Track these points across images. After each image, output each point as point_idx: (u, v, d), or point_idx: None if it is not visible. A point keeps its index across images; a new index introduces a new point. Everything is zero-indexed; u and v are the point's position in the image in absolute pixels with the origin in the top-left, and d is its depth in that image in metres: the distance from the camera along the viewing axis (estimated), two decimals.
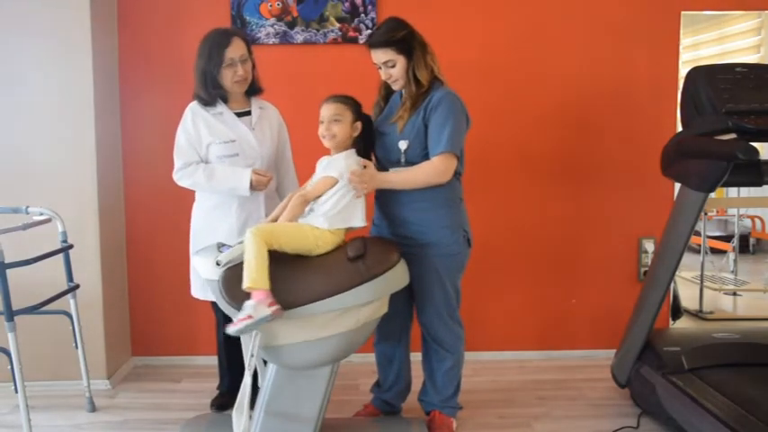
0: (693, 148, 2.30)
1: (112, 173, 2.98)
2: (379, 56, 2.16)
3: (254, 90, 2.47)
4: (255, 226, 1.97)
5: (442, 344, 2.31)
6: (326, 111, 2.13)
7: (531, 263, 3.19)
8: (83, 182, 2.77)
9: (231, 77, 2.33)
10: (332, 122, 2.11)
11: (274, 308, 1.83)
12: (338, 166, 2.07)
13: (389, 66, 2.16)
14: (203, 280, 2.38)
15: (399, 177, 2.15)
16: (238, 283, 1.87)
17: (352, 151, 2.15)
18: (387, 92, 2.32)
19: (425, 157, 2.16)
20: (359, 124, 2.15)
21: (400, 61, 2.15)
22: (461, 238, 2.24)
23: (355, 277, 1.95)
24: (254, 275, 1.84)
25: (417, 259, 2.16)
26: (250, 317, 1.80)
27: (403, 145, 2.17)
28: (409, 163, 2.17)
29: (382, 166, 2.27)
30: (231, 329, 1.82)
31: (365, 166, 2.11)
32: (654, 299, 2.45)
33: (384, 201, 2.26)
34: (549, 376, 2.97)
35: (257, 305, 1.81)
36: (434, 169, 2.12)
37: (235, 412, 1.88)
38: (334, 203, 2.05)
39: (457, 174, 2.23)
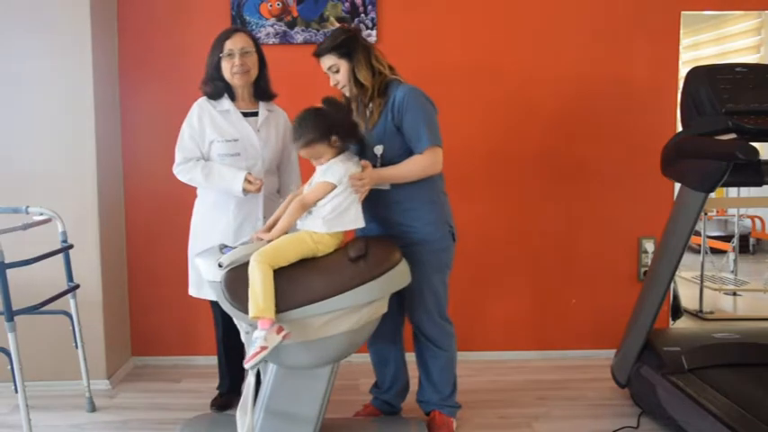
0: (693, 148, 2.30)
1: (112, 173, 2.98)
2: (324, 62, 2.22)
3: (263, 92, 2.47)
4: (258, 251, 1.94)
5: (434, 341, 2.31)
6: (304, 154, 2.08)
7: (532, 263, 3.19)
8: (83, 182, 2.77)
9: (230, 68, 2.35)
10: (315, 159, 2.08)
11: (284, 333, 1.86)
12: (337, 171, 2.04)
13: (334, 71, 2.21)
14: (204, 281, 2.40)
15: (395, 172, 2.15)
16: (241, 284, 1.88)
17: (349, 153, 2.13)
18: (348, 100, 2.30)
19: (403, 157, 2.16)
20: (334, 138, 2.05)
21: (343, 65, 2.18)
22: (447, 232, 2.26)
23: (357, 277, 1.95)
24: (262, 305, 1.84)
25: (406, 257, 2.16)
26: (264, 348, 1.81)
27: (378, 150, 2.18)
28: (386, 165, 2.17)
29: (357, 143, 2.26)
30: (249, 364, 1.82)
31: (364, 167, 2.11)
32: (654, 299, 2.45)
33: (370, 202, 2.25)
34: (549, 376, 2.97)
35: (268, 335, 1.82)
36: (425, 162, 2.15)
37: (239, 411, 1.88)
38: (333, 208, 2.04)
39: None
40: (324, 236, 2.03)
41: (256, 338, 1.83)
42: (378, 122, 2.18)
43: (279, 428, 2.04)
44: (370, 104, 2.19)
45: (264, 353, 1.81)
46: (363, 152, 2.21)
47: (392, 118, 2.16)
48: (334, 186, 2.03)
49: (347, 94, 2.25)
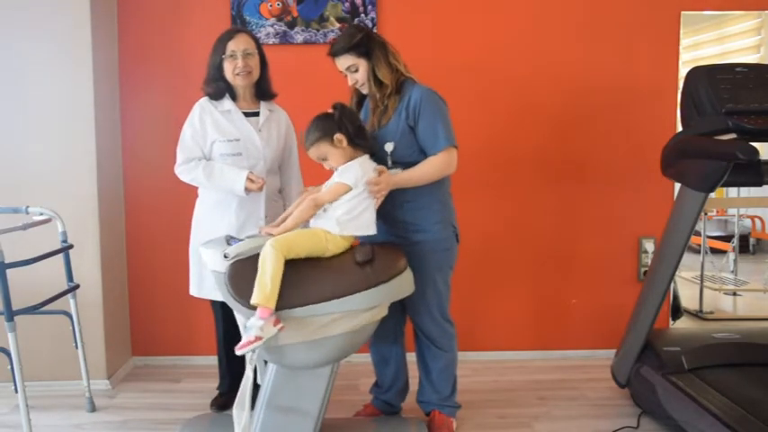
0: (693, 148, 2.30)
1: (112, 173, 2.98)
2: (342, 62, 2.20)
3: (264, 92, 2.47)
4: (275, 238, 1.94)
5: (435, 342, 2.31)
6: (312, 155, 2.10)
7: (532, 263, 3.19)
8: (83, 182, 2.77)
9: (232, 69, 2.35)
10: (324, 161, 2.10)
11: (280, 326, 1.86)
12: (353, 173, 2.04)
13: (353, 71, 2.20)
14: (205, 280, 2.40)
15: (411, 175, 2.14)
16: (245, 277, 1.88)
17: (366, 157, 2.12)
18: (359, 98, 2.32)
19: (413, 156, 2.17)
20: (340, 136, 2.06)
21: (362, 64, 2.18)
22: (451, 233, 2.26)
23: (362, 282, 1.95)
24: (268, 294, 1.84)
25: (411, 257, 2.16)
26: (259, 338, 1.81)
27: (389, 147, 2.17)
28: (396, 164, 2.18)
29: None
30: (241, 351, 1.82)
31: (380, 172, 2.10)
32: (654, 299, 2.45)
33: None
34: (549, 376, 2.97)
35: (265, 325, 1.82)
36: (442, 163, 2.15)
37: (235, 408, 1.88)
38: (348, 210, 2.03)
39: None
40: (336, 236, 2.04)
41: (251, 327, 1.82)
42: (391, 120, 2.17)
43: (279, 428, 2.04)
44: (386, 102, 2.18)
45: (259, 343, 1.81)
46: (374, 151, 2.21)
47: (406, 117, 2.15)
48: (349, 188, 2.04)
49: (365, 92, 2.24)
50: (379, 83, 2.18)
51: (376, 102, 2.20)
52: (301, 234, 2.02)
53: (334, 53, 2.20)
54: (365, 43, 2.16)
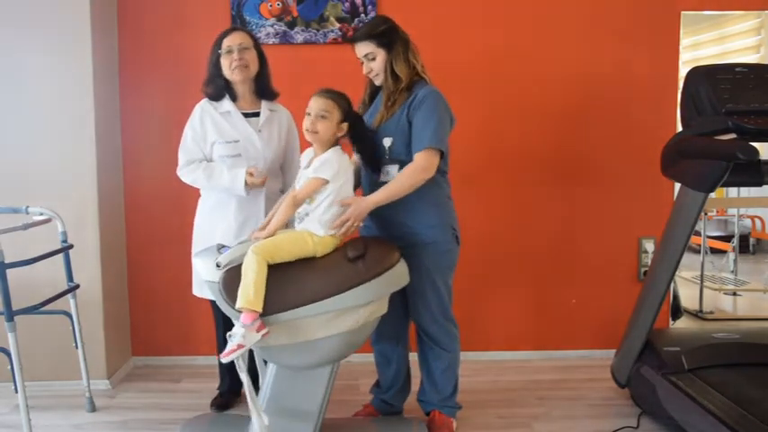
0: (693, 148, 2.30)
1: (112, 173, 2.98)
2: (361, 49, 2.20)
3: (264, 91, 2.47)
4: (256, 244, 1.93)
5: (437, 342, 2.31)
6: (315, 105, 2.06)
7: (532, 263, 3.19)
8: (83, 182, 2.77)
9: (228, 65, 2.35)
10: (318, 118, 2.05)
11: (263, 332, 1.85)
12: (331, 167, 2.03)
13: (370, 59, 2.20)
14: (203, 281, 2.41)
15: (387, 193, 2.11)
16: (238, 284, 1.88)
17: (338, 148, 2.11)
18: (372, 90, 2.32)
19: (410, 154, 2.16)
20: (345, 125, 2.09)
21: (380, 55, 2.18)
22: (450, 236, 2.25)
23: (355, 277, 1.95)
24: (252, 298, 1.84)
25: (408, 259, 2.15)
26: (241, 346, 1.81)
27: (387, 142, 2.18)
28: (394, 159, 2.18)
29: (368, 164, 2.27)
30: (225, 359, 1.83)
31: (347, 204, 2.07)
32: (654, 299, 2.45)
33: None
34: (549, 376, 2.97)
35: (246, 333, 1.82)
36: (417, 168, 2.11)
37: (252, 415, 1.91)
38: (326, 208, 2.04)
39: (442, 172, 2.24)
40: (324, 237, 2.03)
41: (234, 334, 1.82)
42: (394, 115, 2.18)
43: (279, 428, 2.04)
44: (397, 96, 2.18)
45: (241, 350, 1.81)
46: (370, 146, 2.21)
47: (407, 114, 2.16)
48: (326, 182, 2.03)
49: (378, 83, 2.24)
50: (395, 76, 2.18)
51: (388, 95, 2.20)
52: (285, 238, 2.01)
53: (355, 39, 2.20)
54: (388, 34, 2.17)
